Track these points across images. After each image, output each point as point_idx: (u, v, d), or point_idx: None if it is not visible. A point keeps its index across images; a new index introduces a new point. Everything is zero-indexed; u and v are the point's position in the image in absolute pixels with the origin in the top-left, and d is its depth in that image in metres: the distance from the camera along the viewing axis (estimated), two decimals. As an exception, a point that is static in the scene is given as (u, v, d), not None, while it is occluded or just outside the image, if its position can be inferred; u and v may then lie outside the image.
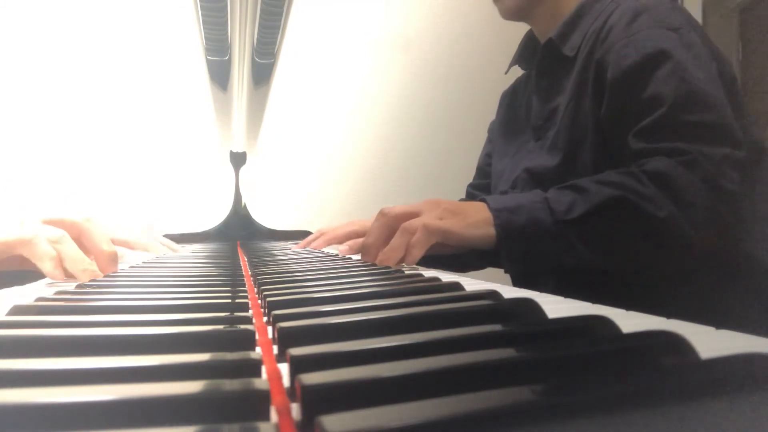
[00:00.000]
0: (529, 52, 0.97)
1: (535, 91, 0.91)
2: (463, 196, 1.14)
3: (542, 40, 0.90)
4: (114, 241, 0.64)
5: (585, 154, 0.78)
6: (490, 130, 1.11)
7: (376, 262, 0.65)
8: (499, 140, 1.03)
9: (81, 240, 0.57)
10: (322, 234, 0.99)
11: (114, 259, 0.59)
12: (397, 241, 0.64)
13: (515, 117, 1.00)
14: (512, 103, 1.03)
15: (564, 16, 0.85)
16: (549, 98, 0.87)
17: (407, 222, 0.64)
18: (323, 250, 0.95)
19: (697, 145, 0.64)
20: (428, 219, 0.64)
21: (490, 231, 0.65)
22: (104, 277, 0.53)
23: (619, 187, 0.64)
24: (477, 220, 0.65)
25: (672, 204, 0.62)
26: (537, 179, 0.85)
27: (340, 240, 0.96)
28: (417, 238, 0.62)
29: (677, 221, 0.62)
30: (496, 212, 0.65)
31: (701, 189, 0.63)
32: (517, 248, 0.65)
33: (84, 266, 0.54)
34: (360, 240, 0.90)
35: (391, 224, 0.66)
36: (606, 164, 0.74)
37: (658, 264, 0.67)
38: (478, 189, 1.10)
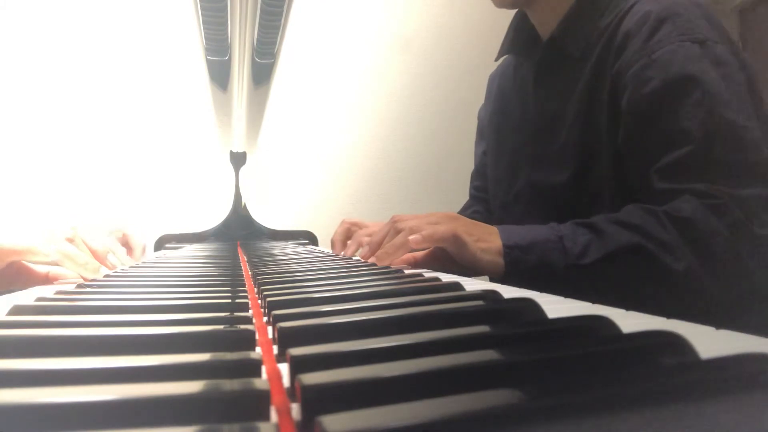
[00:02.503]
0: (522, 39, 0.88)
1: (533, 89, 0.84)
2: (462, 195, 1.13)
3: (540, 30, 0.83)
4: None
5: (598, 172, 0.72)
6: (481, 124, 1.05)
7: (376, 255, 0.64)
8: (492, 138, 0.97)
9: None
10: (349, 229, 0.92)
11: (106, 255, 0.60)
12: (400, 238, 0.63)
13: (508, 112, 0.92)
14: (501, 93, 0.95)
15: (565, 7, 0.77)
16: (550, 100, 0.80)
17: (420, 223, 0.64)
18: (323, 249, 0.95)
19: (727, 186, 0.59)
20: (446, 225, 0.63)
21: (499, 261, 0.63)
22: (104, 277, 0.53)
23: (639, 231, 0.59)
24: (489, 247, 0.63)
25: (692, 254, 0.58)
26: (544, 195, 0.80)
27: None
28: (430, 232, 0.61)
29: (696, 273, 0.58)
30: (507, 249, 0.62)
31: (727, 238, 0.58)
32: (525, 285, 0.63)
33: (84, 260, 0.54)
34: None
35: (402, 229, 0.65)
36: (621, 185, 0.70)
37: (675, 311, 0.63)
38: (481, 191, 1.05)
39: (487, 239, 0.64)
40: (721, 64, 0.63)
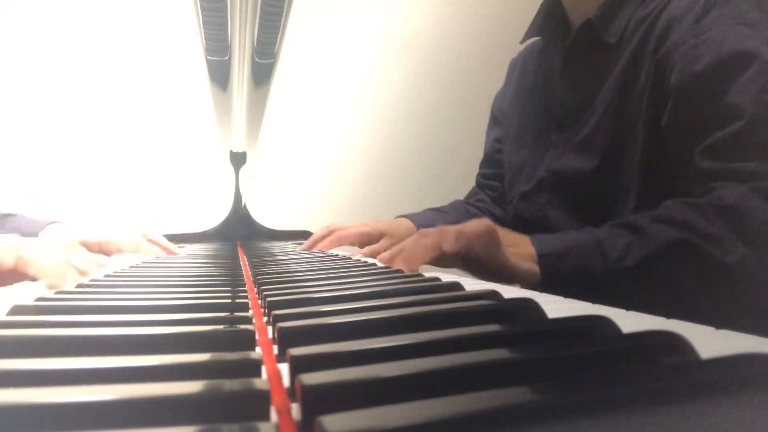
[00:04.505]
0: (552, 24, 0.85)
1: (560, 76, 0.82)
2: (464, 195, 1.13)
3: (573, 15, 0.81)
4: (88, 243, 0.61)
5: (630, 161, 0.70)
6: (498, 110, 1.02)
7: (403, 255, 0.57)
8: (513, 125, 0.94)
9: None
10: (331, 231, 0.92)
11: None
12: (431, 238, 0.56)
13: (530, 99, 0.90)
14: (524, 79, 0.93)
15: None
16: (579, 87, 0.78)
17: (450, 227, 0.58)
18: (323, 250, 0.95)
19: None
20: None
21: (534, 268, 0.58)
22: (104, 277, 0.53)
23: (681, 226, 0.55)
24: (522, 251, 0.58)
25: (744, 245, 0.53)
26: (568, 184, 0.78)
27: (350, 241, 0.91)
28: (461, 227, 0.56)
29: (750, 265, 0.53)
30: (542, 258, 0.58)
31: None
32: (563, 294, 0.58)
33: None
34: (375, 246, 0.82)
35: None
36: (655, 176, 0.67)
37: (733, 311, 0.57)
38: (490, 179, 1.03)
39: (519, 245, 0.59)
40: None
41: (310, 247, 0.93)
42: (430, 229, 0.59)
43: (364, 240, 0.91)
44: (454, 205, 1.04)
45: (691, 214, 0.56)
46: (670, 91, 0.65)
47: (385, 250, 0.64)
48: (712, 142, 0.60)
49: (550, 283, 0.57)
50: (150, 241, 0.87)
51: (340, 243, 0.92)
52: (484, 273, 0.59)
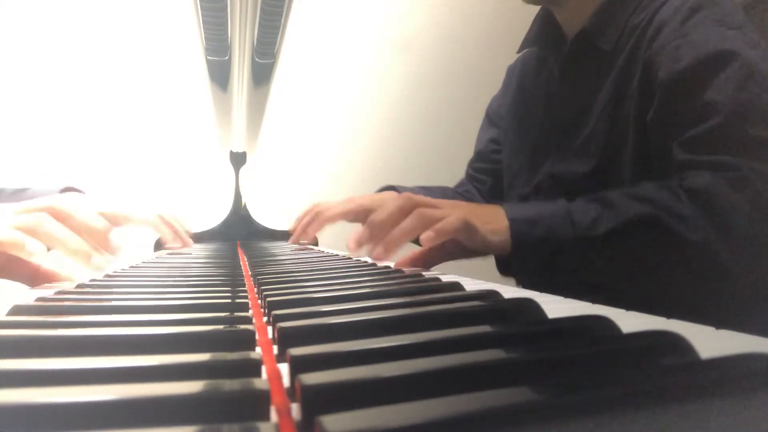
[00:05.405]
0: (547, 34, 0.87)
1: (558, 83, 0.84)
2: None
3: (566, 27, 0.83)
4: (105, 215, 0.58)
5: (623, 163, 0.72)
6: (494, 112, 1.04)
7: (383, 243, 0.59)
8: (510, 131, 0.96)
9: (65, 225, 0.51)
10: (314, 213, 0.91)
11: (107, 235, 0.54)
12: (410, 222, 0.59)
13: (528, 106, 0.92)
14: (522, 86, 0.95)
15: (595, 3, 0.77)
16: (577, 94, 0.80)
17: (428, 210, 0.60)
18: (323, 249, 0.95)
19: (750, 161, 0.57)
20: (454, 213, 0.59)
21: (507, 239, 0.60)
22: (104, 277, 0.53)
23: (652, 203, 0.58)
24: (496, 227, 0.61)
25: (710, 226, 0.55)
26: (565, 187, 0.79)
27: (336, 221, 0.90)
28: (441, 226, 0.57)
29: (713, 246, 0.55)
30: (513, 222, 0.60)
31: (747, 212, 0.56)
32: (531, 261, 0.61)
33: (76, 245, 0.49)
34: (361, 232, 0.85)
35: (410, 210, 0.60)
36: (646, 174, 0.68)
37: (691, 290, 0.59)
38: (480, 172, 1.05)
39: (493, 220, 0.61)
40: (757, 47, 0.63)
41: (298, 237, 0.93)
42: (411, 203, 0.60)
43: (350, 218, 0.91)
44: (443, 189, 1.06)
45: (663, 193, 0.58)
46: (655, 88, 0.67)
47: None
48: (689, 136, 0.62)
49: (520, 249, 0.60)
50: (164, 221, 0.85)
51: (328, 222, 0.91)
52: (460, 252, 0.62)
